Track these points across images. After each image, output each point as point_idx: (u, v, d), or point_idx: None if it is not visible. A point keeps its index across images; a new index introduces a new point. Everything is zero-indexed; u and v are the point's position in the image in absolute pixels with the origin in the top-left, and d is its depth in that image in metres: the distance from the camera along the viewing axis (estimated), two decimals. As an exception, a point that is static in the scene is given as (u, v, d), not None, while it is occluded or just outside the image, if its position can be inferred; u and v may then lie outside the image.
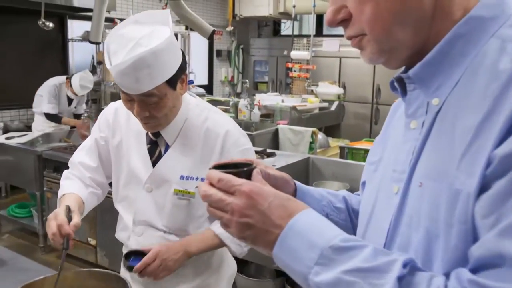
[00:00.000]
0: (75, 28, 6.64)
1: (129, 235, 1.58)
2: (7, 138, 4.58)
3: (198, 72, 7.98)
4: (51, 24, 4.89)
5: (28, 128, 5.36)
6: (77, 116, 5.28)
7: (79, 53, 6.78)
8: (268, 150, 3.89)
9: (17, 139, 4.50)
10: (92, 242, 3.77)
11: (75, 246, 4.17)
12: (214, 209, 0.72)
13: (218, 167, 0.77)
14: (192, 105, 1.54)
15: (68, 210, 1.40)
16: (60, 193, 1.56)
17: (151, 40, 1.32)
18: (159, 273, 1.43)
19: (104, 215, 3.46)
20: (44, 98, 5.12)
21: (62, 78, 5.16)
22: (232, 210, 0.70)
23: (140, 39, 1.31)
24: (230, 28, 7.88)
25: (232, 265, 1.75)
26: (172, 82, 1.39)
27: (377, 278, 0.61)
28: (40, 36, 5.94)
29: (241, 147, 1.51)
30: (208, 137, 1.50)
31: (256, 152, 3.17)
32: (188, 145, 1.51)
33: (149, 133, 1.53)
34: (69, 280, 1.31)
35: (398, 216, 0.72)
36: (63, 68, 6.55)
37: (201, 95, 5.05)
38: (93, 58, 6.66)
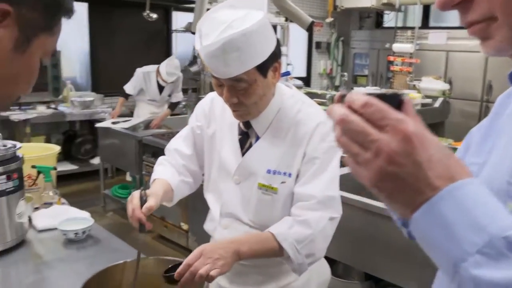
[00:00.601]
0: (179, 19, 6.91)
1: (215, 227, 1.56)
2: (113, 123, 4.89)
3: (296, 64, 7.95)
4: (154, 15, 5.13)
5: (132, 114, 5.66)
6: (172, 105, 5.46)
7: (182, 44, 7.06)
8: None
9: (122, 124, 4.78)
10: (184, 227, 3.89)
11: (168, 229, 4.34)
12: (349, 141, 0.55)
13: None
14: (287, 96, 1.48)
15: (144, 193, 1.38)
16: (152, 177, 1.57)
17: (243, 23, 1.26)
18: (208, 270, 1.20)
19: (196, 202, 3.55)
20: (131, 80, 5.38)
21: (152, 67, 5.37)
22: (379, 151, 0.52)
23: (233, 22, 1.27)
24: (330, 20, 7.72)
25: (325, 271, 1.66)
26: (263, 69, 1.33)
27: None
28: (146, 28, 6.26)
29: (328, 143, 1.39)
30: (297, 130, 1.42)
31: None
32: (278, 137, 1.44)
33: (241, 124, 1.50)
34: (144, 268, 1.31)
35: None
36: (166, 58, 6.85)
37: (298, 88, 5.00)
38: (194, 48, 6.89)
